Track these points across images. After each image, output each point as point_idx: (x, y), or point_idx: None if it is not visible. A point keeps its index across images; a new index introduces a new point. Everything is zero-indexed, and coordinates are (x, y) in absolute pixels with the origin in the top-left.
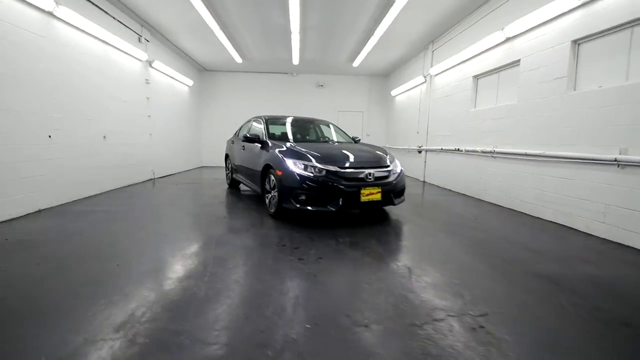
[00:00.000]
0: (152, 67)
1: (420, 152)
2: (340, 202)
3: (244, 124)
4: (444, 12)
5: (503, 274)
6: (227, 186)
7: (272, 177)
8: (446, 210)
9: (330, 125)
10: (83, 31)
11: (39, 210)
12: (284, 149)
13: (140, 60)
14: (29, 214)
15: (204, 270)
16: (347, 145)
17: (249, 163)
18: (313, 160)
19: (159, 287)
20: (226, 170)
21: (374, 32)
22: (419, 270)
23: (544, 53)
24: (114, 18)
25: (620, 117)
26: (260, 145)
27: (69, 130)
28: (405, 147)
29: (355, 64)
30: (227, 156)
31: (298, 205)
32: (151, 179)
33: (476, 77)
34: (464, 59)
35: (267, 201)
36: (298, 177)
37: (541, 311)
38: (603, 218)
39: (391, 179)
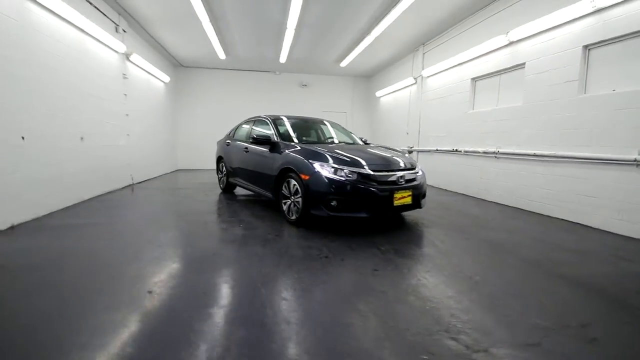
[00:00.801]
0: (129, 60)
1: (410, 152)
2: (375, 208)
3: (241, 124)
4: (438, 16)
5: (576, 285)
6: (220, 190)
7: (294, 182)
8: (459, 211)
9: (337, 126)
10: (59, 16)
11: (12, 227)
12: (310, 151)
13: (118, 53)
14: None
15: (286, 324)
16: (368, 147)
17: (255, 166)
18: (343, 163)
19: None
20: (219, 173)
21: (370, 31)
22: (492, 281)
23: (552, 57)
24: (90, 3)
25: (637, 119)
26: (269, 147)
27: (43, 131)
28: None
29: (344, 64)
30: (219, 159)
31: (330, 212)
32: (130, 185)
33: (474, 80)
34: (461, 62)
35: (284, 207)
36: (329, 182)
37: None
38: (619, 215)
39: (418, 181)
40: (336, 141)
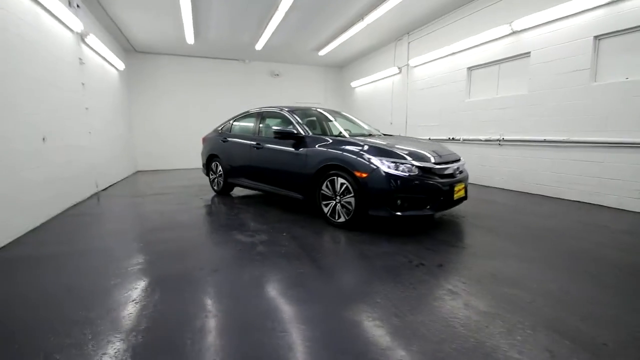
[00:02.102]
0: (85, 42)
1: None
2: (439, 203)
3: (237, 118)
4: (426, 7)
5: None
6: (213, 193)
7: (342, 181)
8: (477, 199)
9: (344, 115)
10: None
11: None
12: (363, 145)
13: (73, 32)
14: None
15: None
16: (406, 138)
17: (273, 164)
18: (402, 157)
19: None
20: (210, 173)
21: (363, 17)
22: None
23: (560, 46)
24: None
25: None
26: (294, 142)
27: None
28: None
29: (323, 52)
30: (211, 157)
31: (394, 212)
32: (96, 193)
33: (470, 69)
34: (455, 51)
35: (326, 209)
36: (393, 179)
37: None
38: (638, 195)
39: (465, 172)
40: (362, 132)
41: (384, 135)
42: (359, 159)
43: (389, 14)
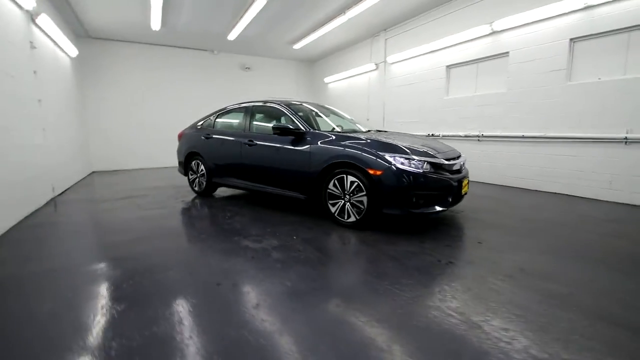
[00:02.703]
0: (35, 23)
1: None
2: (450, 199)
3: (221, 113)
4: (405, 5)
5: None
6: (193, 195)
7: (352, 179)
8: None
9: (335, 111)
10: None
11: None
12: (371, 141)
13: (22, 10)
14: None
15: None
16: (402, 134)
17: (269, 162)
18: (415, 153)
19: None
20: (190, 173)
21: (345, 12)
22: None
23: (538, 47)
24: None
25: (623, 104)
26: (294, 139)
27: None
28: None
29: (298, 46)
30: (191, 155)
31: (410, 209)
32: (53, 199)
33: (449, 67)
34: (434, 49)
35: (333, 209)
36: (408, 175)
37: None
38: (610, 185)
39: (466, 169)
40: (354, 127)
41: (379, 131)
42: (371, 155)
43: (367, 11)
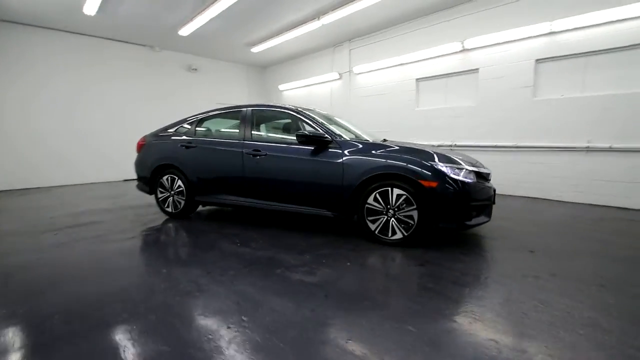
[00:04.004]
0: None
1: None
2: (491, 208)
3: (203, 117)
4: (374, 19)
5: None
6: (164, 217)
7: (398, 192)
8: None
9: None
10: None
11: None
12: (416, 150)
13: None
14: None
15: None
16: (415, 143)
17: (290, 176)
18: (460, 162)
19: None
20: (161, 190)
21: (320, 17)
22: None
23: (507, 66)
24: None
25: (583, 118)
26: (316, 147)
27: None
28: None
29: (257, 49)
30: (160, 169)
31: (467, 222)
32: None
33: (419, 80)
34: (404, 62)
35: (373, 226)
36: (465, 186)
37: None
38: (575, 188)
39: None
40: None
41: (384, 140)
42: (421, 166)
43: (337, 21)
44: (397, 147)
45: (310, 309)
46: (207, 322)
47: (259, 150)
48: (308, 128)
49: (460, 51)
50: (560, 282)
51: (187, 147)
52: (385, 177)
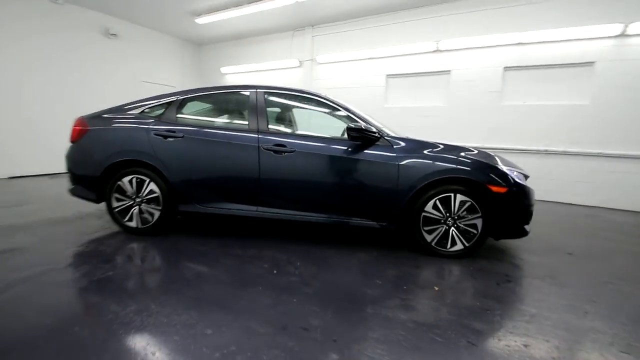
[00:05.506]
0: None
1: None
2: None
3: (183, 97)
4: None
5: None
6: (123, 234)
7: (462, 198)
8: None
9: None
10: None
11: None
12: (469, 150)
13: None
14: None
15: None
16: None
17: (330, 178)
18: (513, 164)
19: None
20: (114, 198)
21: None
22: None
23: (477, 71)
24: None
25: (542, 124)
26: (360, 143)
27: None
28: None
29: (203, 20)
30: (118, 166)
31: (527, 229)
32: None
33: (389, 76)
34: (374, 57)
35: (430, 237)
36: (528, 191)
37: None
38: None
39: None
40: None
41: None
42: (490, 169)
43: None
44: (446, 146)
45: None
46: None
47: (284, 146)
48: (338, 117)
49: (434, 51)
50: None
51: (166, 137)
52: (445, 182)
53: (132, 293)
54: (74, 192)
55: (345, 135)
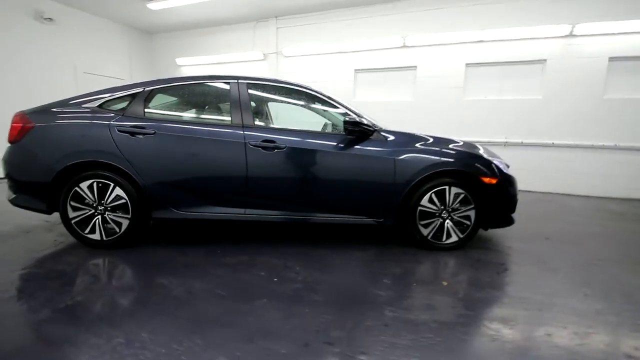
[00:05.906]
0: None
1: None
2: None
3: (151, 87)
4: None
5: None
6: (84, 249)
7: (456, 190)
8: None
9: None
10: None
11: None
12: (455, 142)
13: None
14: None
15: None
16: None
17: (325, 174)
18: (495, 155)
19: None
20: (70, 207)
21: None
22: None
23: (441, 66)
24: None
25: (501, 117)
26: (355, 137)
27: None
28: None
29: (156, 6)
30: (73, 170)
31: (512, 216)
32: None
33: (357, 71)
34: (342, 51)
35: (426, 231)
36: (514, 181)
37: None
38: None
39: None
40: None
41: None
42: (481, 161)
43: None
44: (435, 139)
45: None
46: None
47: (273, 142)
48: (332, 111)
49: (401, 47)
50: None
51: (133, 134)
52: (439, 175)
53: (114, 321)
54: (16, 202)
55: (330, 130)
